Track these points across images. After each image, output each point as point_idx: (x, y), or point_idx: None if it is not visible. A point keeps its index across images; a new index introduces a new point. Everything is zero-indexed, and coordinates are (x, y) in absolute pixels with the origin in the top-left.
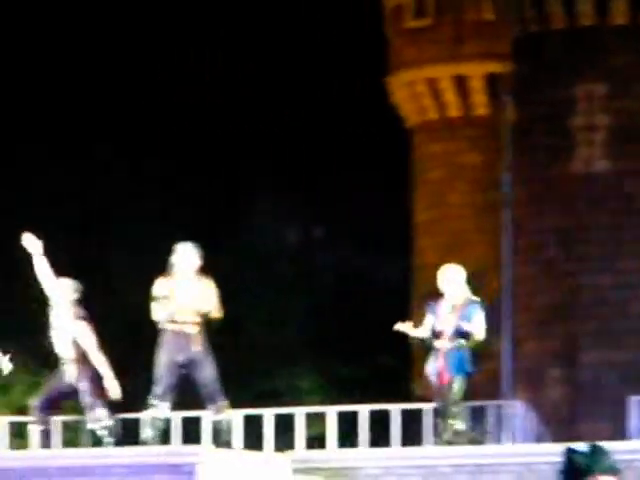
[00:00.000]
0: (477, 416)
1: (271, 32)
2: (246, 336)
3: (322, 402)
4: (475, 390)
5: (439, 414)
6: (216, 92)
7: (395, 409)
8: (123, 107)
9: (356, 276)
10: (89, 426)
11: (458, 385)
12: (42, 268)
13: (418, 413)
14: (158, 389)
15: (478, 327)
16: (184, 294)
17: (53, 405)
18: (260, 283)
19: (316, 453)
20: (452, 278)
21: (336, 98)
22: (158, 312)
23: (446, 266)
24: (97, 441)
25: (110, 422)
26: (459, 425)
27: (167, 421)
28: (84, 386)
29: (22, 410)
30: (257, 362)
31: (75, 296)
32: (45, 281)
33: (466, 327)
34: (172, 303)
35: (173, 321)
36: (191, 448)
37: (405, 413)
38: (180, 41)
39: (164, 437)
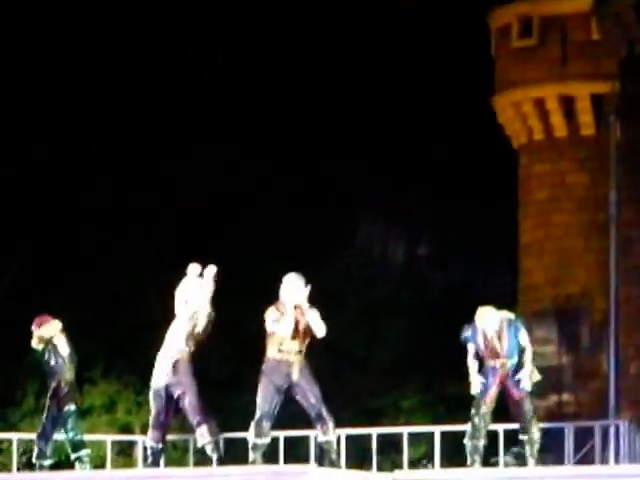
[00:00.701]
0: (583, 436)
1: (365, 48)
2: (349, 355)
3: (428, 421)
4: (580, 410)
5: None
6: (315, 105)
7: (501, 429)
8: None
9: (462, 294)
10: (199, 443)
11: (529, 400)
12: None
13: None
14: (261, 414)
15: (527, 341)
16: (291, 324)
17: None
18: (364, 301)
19: (419, 473)
20: (487, 316)
21: (444, 117)
22: (270, 347)
23: (482, 309)
24: (204, 459)
25: (218, 439)
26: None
27: (272, 440)
28: (190, 403)
29: (126, 429)
30: (360, 381)
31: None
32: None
33: (522, 342)
34: (280, 334)
35: (279, 350)
36: (298, 467)
37: (511, 432)
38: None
39: (269, 456)
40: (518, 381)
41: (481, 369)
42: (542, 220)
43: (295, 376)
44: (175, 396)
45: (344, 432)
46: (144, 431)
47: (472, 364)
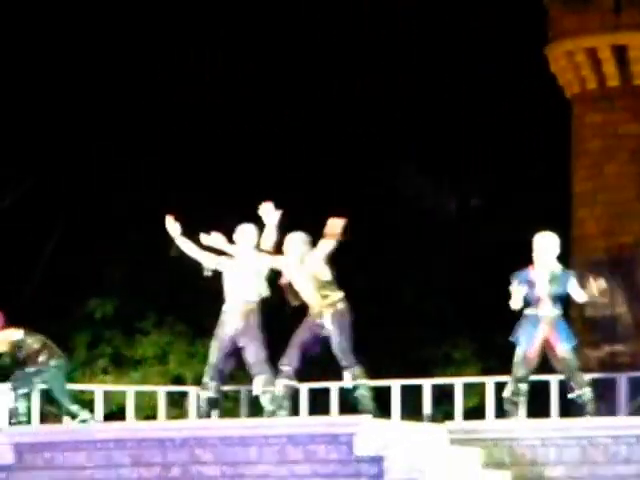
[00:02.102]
0: (637, 387)
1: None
2: (400, 305)
3: (479, 373)
4: (634, 360)
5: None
6: (359, 76)
7: (554, 380)
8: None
9: (514, 246)
10: (255, 393)
11: (575, 354)
12: (187, 248)
13: None
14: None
15: (579, 293)
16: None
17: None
18: (416, 252)
19: (473, 424)
20: (547, 246)
21: (497, 68)
22: None
23: (541, 234)
24: (260, 410)
25: (275, 389)
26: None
27: (324, 391)
28: (254, 354)
29: (178, 380)
30: (411, 332)
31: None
32: (199, 256)
33: (575, 295)
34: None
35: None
36: (349, 418)
37: (564, 384)
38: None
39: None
40: (561, 335)
41: (526, 318)
42: (595, 170)
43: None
44: (239, 346)
45: (397, 383)
46: (196, 382)
47: (515, 299)
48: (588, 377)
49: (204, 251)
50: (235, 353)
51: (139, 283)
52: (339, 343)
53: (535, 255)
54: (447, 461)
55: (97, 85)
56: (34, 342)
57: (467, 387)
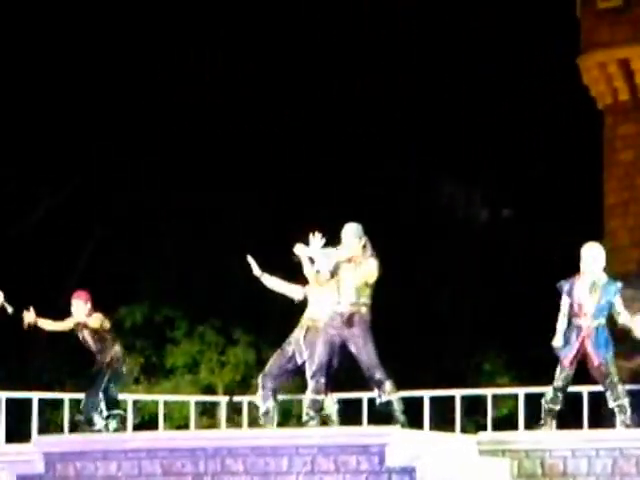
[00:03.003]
0: None
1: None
2: (432, 316)
3: (510, 383)
4: None
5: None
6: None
7: (586, 391)
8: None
9: (546, 258)
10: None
11: (613, 364)
12: (274, 284)
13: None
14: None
15: (621, 305)
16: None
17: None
18: (448, 263)
19: (504, 435)
20: (594, 256)
21: (529, 79)
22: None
23: (588, 244)
24: (290, 419)
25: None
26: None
27: (355, 402)
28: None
29: (209, 389)
30: (444, 342)
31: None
32: (286, 290)
33: (617, 306)
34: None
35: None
36: (380, 429)
37: (596, 395)
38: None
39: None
40: (599, 345)
41: (569, 327)
42: (627, 182)
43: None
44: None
45: (427, 394)
46: (227, 391)
47: (562, 318)
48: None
49: (289, 284)
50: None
51: (170, 292)
52: (367, 355)
53: (582, 265)
54: (477, 472)
55: (120, 94)
56: (115, 341)
57: (498, 398)
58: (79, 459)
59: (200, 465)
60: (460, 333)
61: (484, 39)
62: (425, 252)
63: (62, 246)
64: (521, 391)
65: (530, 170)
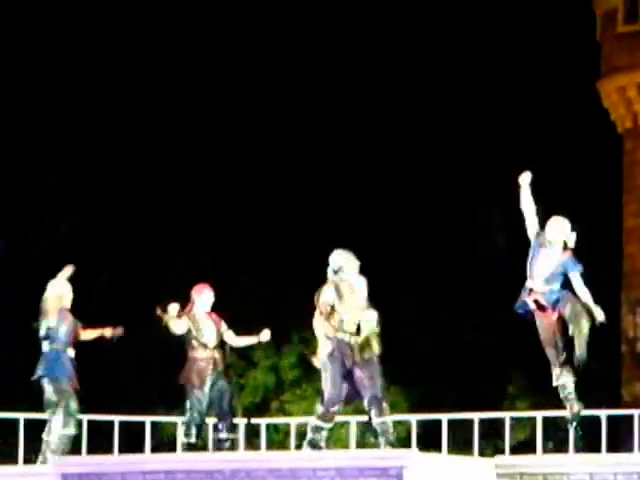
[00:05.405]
0: None
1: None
2: (455, 340)
3: (529, 408)
4: None
5: None
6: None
7: (604, 415)
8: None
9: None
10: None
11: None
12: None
13: (628, 419)
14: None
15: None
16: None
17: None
18: (473, 287)
19: (521, 458)
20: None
21: (549, 103)
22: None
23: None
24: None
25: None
26: None
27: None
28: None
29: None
30: (465, 366)
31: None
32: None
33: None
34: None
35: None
36: (399, 452)
37: (614, 419)
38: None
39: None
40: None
41: None
42: None
43: (357, 357)
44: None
45: (445, 417)
46: (245, 414)
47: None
48: (638, 412)
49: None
50: None
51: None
52: (377, 380)
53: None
54: None
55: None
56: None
57: (517, 422)
58: None
59: None
60: (485, 357)
61: (506, 64)
62: (449, 275)
63: (81, 273)
64: (539, 414)
65: (550, 194)
